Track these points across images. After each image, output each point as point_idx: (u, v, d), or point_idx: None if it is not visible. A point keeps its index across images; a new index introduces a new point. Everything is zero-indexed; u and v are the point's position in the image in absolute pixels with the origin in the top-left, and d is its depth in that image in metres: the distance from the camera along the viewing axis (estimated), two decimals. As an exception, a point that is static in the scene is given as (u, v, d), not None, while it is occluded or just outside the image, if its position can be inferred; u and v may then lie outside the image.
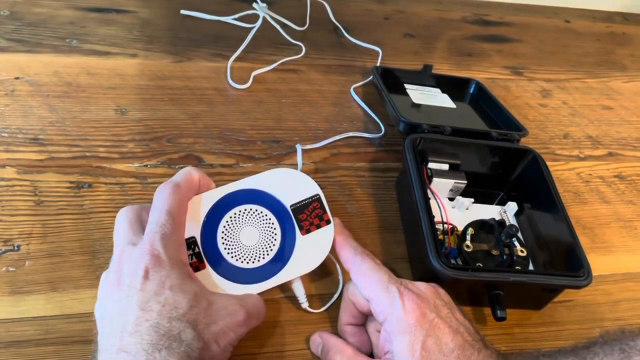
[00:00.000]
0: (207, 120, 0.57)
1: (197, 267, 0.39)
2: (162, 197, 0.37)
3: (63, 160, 0.49)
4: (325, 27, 0.76)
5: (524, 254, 0.45)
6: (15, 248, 0.42)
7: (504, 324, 0.42)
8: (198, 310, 0.33)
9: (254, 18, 0.72)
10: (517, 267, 0.44)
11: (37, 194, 0.46)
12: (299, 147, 0.53)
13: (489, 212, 0.51)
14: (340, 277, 0.45)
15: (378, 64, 0.70)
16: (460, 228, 0.47)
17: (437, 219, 0.46)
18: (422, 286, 0.37)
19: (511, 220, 0.51)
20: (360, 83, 0.67)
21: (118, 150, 0.52)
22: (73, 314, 0.39)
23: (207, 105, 0.59)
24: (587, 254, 0.43)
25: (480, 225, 0.47)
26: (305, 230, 0.41)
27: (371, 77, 0.66)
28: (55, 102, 0.55)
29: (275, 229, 0.41)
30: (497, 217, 0.50)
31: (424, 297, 0.35)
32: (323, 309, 0.43)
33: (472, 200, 0.50)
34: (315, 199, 0.42)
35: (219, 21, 0.72)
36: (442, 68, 0.73)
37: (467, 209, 0.51)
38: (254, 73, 0.64)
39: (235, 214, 0.41)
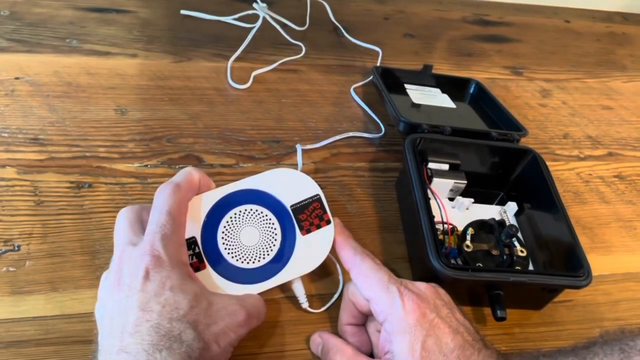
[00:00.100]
0: (207, 120, 0.57)
1: (198, 267, 0.39)
2: (162, 198, 0.37)
3: (63, 160, 0.50)
4: (325, 27, 0.76)
5: (524, 254, 0.45)
6: (16, 248, 0.42)
7: (504, 324, 0.42)
8: (198, 311, 0.33)
9: (254, 18, 0.72)
10: (517, 267, 0.44)
11: (37, 194, 0.46)
12: (299, 147, 0.53)
13: (489, 212, 0.51)
14: (340, 277, 0.45)
15: (378, 64, 0.70)
16: (460, 228, 0.48)
17: (437, 219, 0.46)
18: (422, 286, 0.37)
19: (511, 220, 0.51)
20: (360, 83, 0.67)
21: (118, 150, 0.52)
22: (73, 314, 0.39)
23: (207, 105, 0.59)
24: (587, 254, 0.43)
25: (480, 225, 0.47)
26: (306, 231, 0.41)
27: (371, 77, 0.66)
28: (55, 102, 0.55)
29: (275, 229, 0.41)
30: (497, 217, 0.50)
31: (424, 297, 0.35)
32: (323, 309, 0.43)
33: (472, 200, 0.50)
34: (316, 199, 0.42)
35: (219, 21, 0.72)
36: (442, 68, 0.73)
37: (467, 209, 0.51)
38: (254, 73, 0.64)
39: (235, 214, 0.41)
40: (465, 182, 0.50)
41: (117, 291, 0.33)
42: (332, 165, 0.55)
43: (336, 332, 0.40)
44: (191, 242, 0.39)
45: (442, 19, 0.85)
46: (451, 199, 0.52)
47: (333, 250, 0.41)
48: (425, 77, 0.68)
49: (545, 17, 0.92)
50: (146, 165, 0.51)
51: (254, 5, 0.73)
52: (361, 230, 0.49)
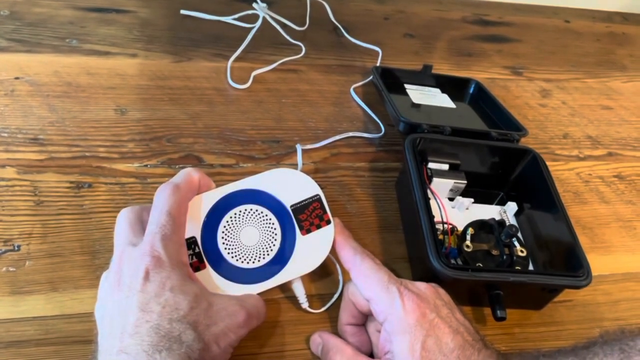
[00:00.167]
0: (207, 120, 0.57)
1: (198, 267, 0.39)
2: (162, 198, 0.37)
3: (63, 160, 0.49)
4: (325, 27, 0.76)
5: (524, 254, 0.45)
6: (16, 248, 0.42)
7: (504, 324, 0.42)
8: (198, 312, 0.33)
9: (253, 18, 0.72)
10: (517, 267, 0.44)
11: (37, 194, 0.46)
12: (299, 147, 0.53)
13: (488, 212, 0.51)
14: (340, 277, 0.45)
15: (378, 64, 0.70)
16: (460, 228, 0.48)
17: (437, 219, 0.46)
18: (422, 286, 0.37)
19: (511, 220, 0.51)
20: (360, 83, 0.67)
21: (118, 150, 0.52)
22: (73, 314, 0.39)
23: (207, 105, 0.59)
24: (587, 254, 0.43)
25: (480, 225, 0.47)
26: (306, 231, 0.41)
27: (371, 77, 0.66)
28: (55, 102, 0.55)
29: (275, 229, 0.41)
30: (497, 217, 0.50)
31: (424, 297, 0.35)
32: (323, 309, 0.43)
33: (472, 200, 0.50)
34: (316, 199, 0.42)
35: (218, 21, 0.72)
36: (442, 68, 0.73)
37: (467, 209, 0.51)
38: (254, 73, 0.64)
39: (235, 214, 0.41)
40: (465, 182, 0.50)
41: (117, 292, 0.33)
42: (332, 165, 0.55)
43: (336, 332, 0.40)
44: (191, 242, 0.39)
45: (442, 19, 0.85)
46: (451, 199, 0.52)
47: (333, 250, 0.41)
48: (425, 77, 0.68)
49: (545, 17, 0.92)
50: (146, 165, 0.51)
51: (254, 5, 0.73)
52: (361, 230, 0.49)
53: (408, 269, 0.47)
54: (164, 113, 0.57)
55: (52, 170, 0.48)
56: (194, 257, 0.39)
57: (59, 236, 0.44)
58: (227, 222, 0.41)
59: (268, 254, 0.40)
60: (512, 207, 0.51)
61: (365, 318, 0.39)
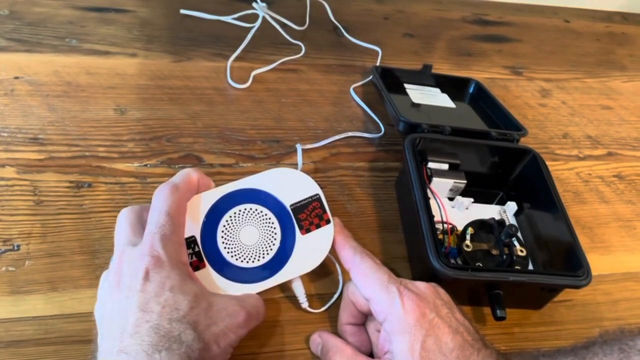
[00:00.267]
0: (207, 120, 0.57)
1: (197, 266, 0.39)
2: (160, 198, 0.37)
3: (63, 160, 0.49)
4: (325, 27, 0.76)
5: (524, 253, 0.45)
6: (15, 248, 0.42)
7: (504, 324, 0.42)
8: (198, 312, 0.33)
9: (253, 18, 0.72)
10: (516, 267, 0.44)
11: (36, 194, 0.46)
12: (298, 147, 0.53)
13: (488, 211, 0.51)
14: (340, 277, 0.45)
15: (378, 64, 0.70)
16: (460, 228, 0.48)
17: (437, 218, 0.46)
18: (421, 286, 0.37)
19: (511, 220, 0.51)
20: (360, 83, 0.67)
21: (118, 150, 0.52)
22: (73, 314, 0.39)
23: (207, 105, 0.59)
24: (587, 254, 0.43)
25: (480, 225, 0.47)
26: (305, 230, 0.41)
27: (371, 77, 0.66)
28: (54, 101, 0.55)
29: (275, 228, 0.41)
30: (497, 217, 0.50)
31: (424, 297, 0.35)
32: (323, 308, 0.43)
33: (472, 200, 0.50)
34: (315, 198, 0.42)
35: (218, 21, 0.72)
36: (442, 68, 0.73)
37: (466, 208, 0.51)
38: (253, 73, 0.64)
39: (235, 213, 0.41)
40: (465, 181, 0.50)
41: (116, 292, 0.33)
42: (332, 165, 0.55)
43: (336, 331, 0.40)
44: (191, 242, 0.39)
45: (441, 19, 0.85)
46: (451, 199, 0.52)
47: (333, 250, 0.41)
48: (425, 77, 0.68)
49: (545, 17, 0.92)
50: (146, 165, 0.51)
51: (254, 4, 0.73)
52: (361, 230, 0.49)
53: (408, 269, 0.47)
54: (164, 113, 0.57)
55: (52, 170, 0.48)
56: (193, 256, 0.39)
57: (59, 236, 0.44)
58: (227, 221, 0.41)
59: (268, 254, 0.40)
60: (511, 206, 0.51)
61: (365, 318, 0.39)
